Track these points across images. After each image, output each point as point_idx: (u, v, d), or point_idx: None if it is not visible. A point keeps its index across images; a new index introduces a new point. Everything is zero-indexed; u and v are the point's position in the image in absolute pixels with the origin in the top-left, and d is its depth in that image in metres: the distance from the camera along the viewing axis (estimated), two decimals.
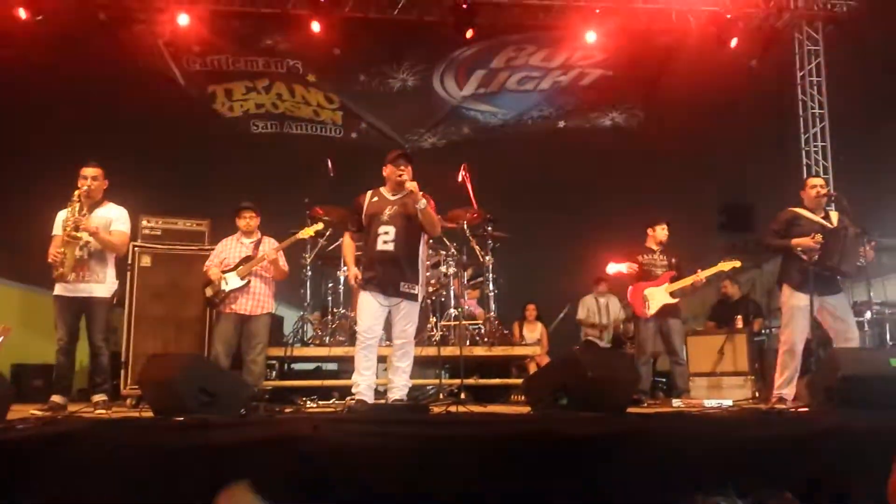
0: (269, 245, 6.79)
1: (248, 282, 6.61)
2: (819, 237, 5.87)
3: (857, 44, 8.89)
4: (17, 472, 3.42)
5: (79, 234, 5.84)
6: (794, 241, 5.98)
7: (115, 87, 9.26)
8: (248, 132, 10.28)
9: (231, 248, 6.80)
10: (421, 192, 5.45)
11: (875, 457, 3.50)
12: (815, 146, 9.69)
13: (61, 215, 6.02)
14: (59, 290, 5.92)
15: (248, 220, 6.82)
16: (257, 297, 6.65)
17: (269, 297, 6.76)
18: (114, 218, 6.12)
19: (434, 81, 10.55)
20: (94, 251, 5.95)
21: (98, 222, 5.97)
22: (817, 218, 6.09)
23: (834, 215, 6.20)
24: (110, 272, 6.08)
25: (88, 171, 6.03)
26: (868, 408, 4.16)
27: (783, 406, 5.64)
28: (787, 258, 6.16)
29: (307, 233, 6.93)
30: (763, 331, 8.72)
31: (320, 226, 7.05)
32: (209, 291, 6.67)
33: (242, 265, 6.65)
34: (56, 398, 5.82)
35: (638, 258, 7.35)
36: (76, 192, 5.93)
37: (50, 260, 5.86)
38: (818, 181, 6.32)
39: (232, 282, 6.60)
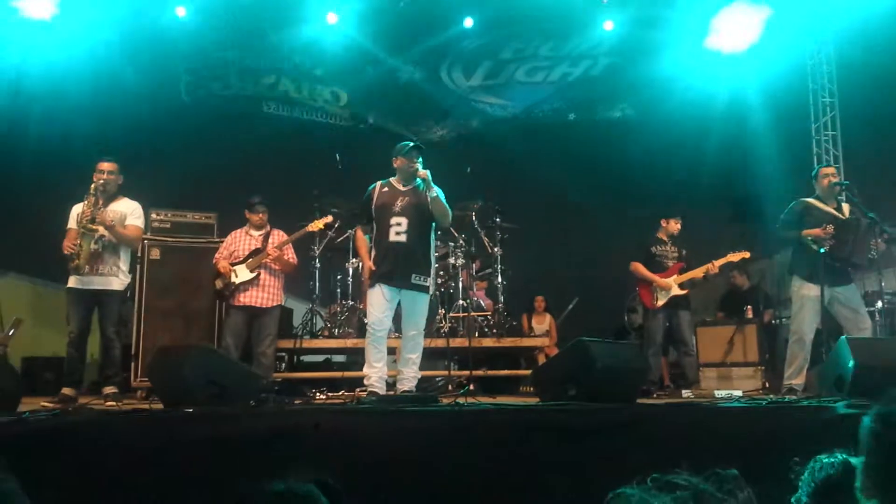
0: (278, 237, 6.80)
1: (258, 274, 6.62)
2: (831, 228, 5.84)
3: (868, 30, 8.80)
4: (28, 463, 3.44)
5: (95, 227, 5.89)
6: (806, 231, 5.95)
7: (124, 79, 9.28)
8: (261, 112, 10.28)
9: (240, 241, 6.81)
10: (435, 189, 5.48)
11: None
12: (825, 135, 9.61)
13: (76, 209, 6.07)
14: (72, 282, 5.97)
15: (262, 215, 6.83)
16: (267, 289, 6.66)
17: (278, 290, 6.77)
18: (128, 212, 6.16)
19: (441, 73, 10.53)
20: (108, 244, 5.99)
21: (113, 216, 6.02)
22: (829, 209, 6.05)
23: (846, 206, 6.16)
24: (123, 265, 6.13)
25: (105, 166, 6.08)
26: (879, 398, 4.14)
27: (793, 396, 5.61)
28: (798, 249, 6.13)
29: (316, 226, 6.93)
30: (773, 321, 8.68)
31: (329, 218, 7.05)
32: (219, 284, 6.69)
33: (252, 258, 6.66)
34: (66, 390, 5.85)
35: (651, 249, 7.32)
36: (93, 186, 5.97)
37: (66, 252, 5.90)
38: (830, 170, 6.28)
39: (241, 274, 6.61)
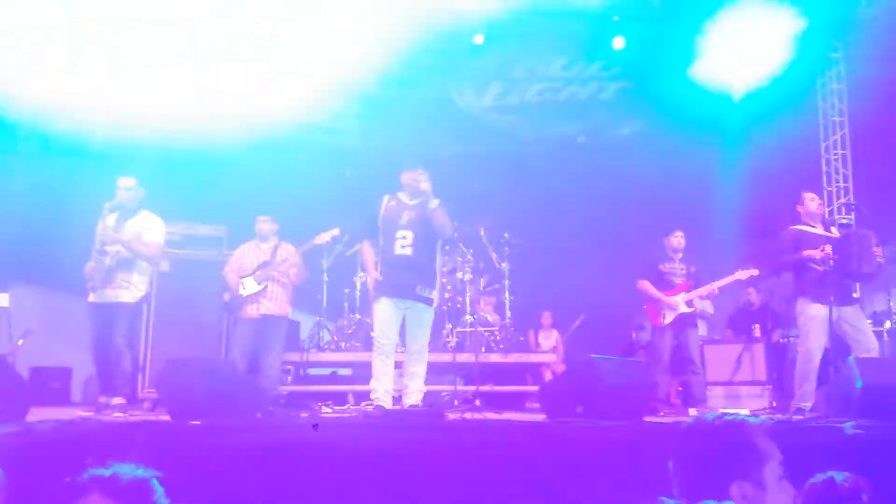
0: (287, 250, 6.81)
1: (266, 287, 6.63)
2: (829, 248, 5.88)
3: (877, 50, 8.81)
4: (33, 473, 3.45)
5: (109, 249, 5.99)
6: (806, 252, 5.98)
7: (139, 89, 9.37)
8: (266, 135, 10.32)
9: (249, 254, 6.83)
10: (437, 200, 5.51)
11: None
12: (834, 154, 9.60)
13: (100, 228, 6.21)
14: (91, 297, 6.09)
15: (262, 223, 6.86)
16: (274, 301, 6.67)
17: (286, 303, 6.77)
18: (146, 227, 6.21)
19: (452, 91, 10.57)
20: (121, 260, 6.05)
21: (131, 232, 6.09)
22: (821, 231, 6.12)
23: (834, 228, 6.27)
24: (137, 279, 6.15)
25: (123, 182, 6.17)
26: (888, 418, 4.13)
27: (801, 416, 5.59)
28: (800, 271, 6.14)
29: (323, 238, 6.92)
30: (782, 340, 8.64)
31: (336, 231, 7.04)
32: (227, 297, 6.70)
33: (260, 270, 6.67)
34: (103, 399, 5.97)
35: (659, 266, 7.29)
36: (107, 205, 6.07)
37: (86, 275, 6.05)
38: (814, 195, 6.38)
39: (249, 287, 6.62)
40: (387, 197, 5.78)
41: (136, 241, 6.06)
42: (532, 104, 10.66)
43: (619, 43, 9.81)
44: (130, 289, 6.09)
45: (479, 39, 9.80)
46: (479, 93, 10.65)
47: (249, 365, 6.59)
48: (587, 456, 3.76)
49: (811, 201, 6.25)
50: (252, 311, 6.60)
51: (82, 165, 8.10)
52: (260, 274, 6.64)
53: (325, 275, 8.24)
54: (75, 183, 7.67)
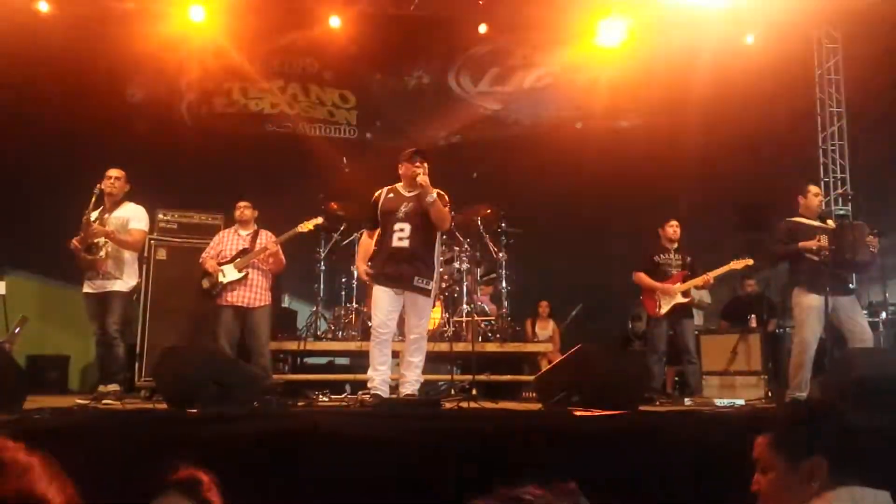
0: (267, 238, 6.77)
1: (246, 274, 6.59)
2: (824, 239, 5.90)
3: (875, 41, 8.80)
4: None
5: (98, 242, 6.06)
6: (802, 243, 6.01)
7: (135, 80, 9.36)
8: (263, 131, 10.33)
9: (228, 241, 6.79)
10: (436, 191, 5.49)
11: (891, 459, 3.48)
12: (832, 145, 9.61)
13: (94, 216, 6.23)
14: (85, 287, 6.14)
15: (243, 209, 6.84)
16: (255, 289, 6.62)
17: (266, 290, 6.70)
18: (131, 217, 6.25)
19: (449, 78, 10.56)
20: (111, 252, 6.10)
21: (115, 223, 6.14)
22: (816, 223, 6.15)
23: (829, 220, 6.28)
24: (128, 270, 6.19)
25: (111, 172, 6.26)
26: (882, 409, 4.14)
27: None
28: (796, 261, 6.17)
29: (306, 226, 6.86)
30: (777, 330, 8.66)
31: (319, 220, 6.98)
32: (205, 283, 6.64)
33: (240, 258, 6.63)
34: (103, 387, 5.97)
35: (654, 258, 7.31)
36: (94, 197, 6.13)
37: (71, 248, 6.11)
38: (819, 190, 6.42)
39: (229, 274, 6.57)
40: (385, 189, 5.77)
41: (120, 230, 6.12)
42: (528, 90, 10.66)
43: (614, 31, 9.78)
44: (124, 277, 6.14)
45: (483, 28, 9.80)
46: (475, 79, 10.65)
47: (237, 353, 6.58)
48: (583, 446, 3.77)
49: (815, 196, 6.29)
50: (232, 298, 6.57)
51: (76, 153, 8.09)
52: (240, 261, 6.61)
53: (322, 264, 8.23)
54: (71, 167, 7.65)
